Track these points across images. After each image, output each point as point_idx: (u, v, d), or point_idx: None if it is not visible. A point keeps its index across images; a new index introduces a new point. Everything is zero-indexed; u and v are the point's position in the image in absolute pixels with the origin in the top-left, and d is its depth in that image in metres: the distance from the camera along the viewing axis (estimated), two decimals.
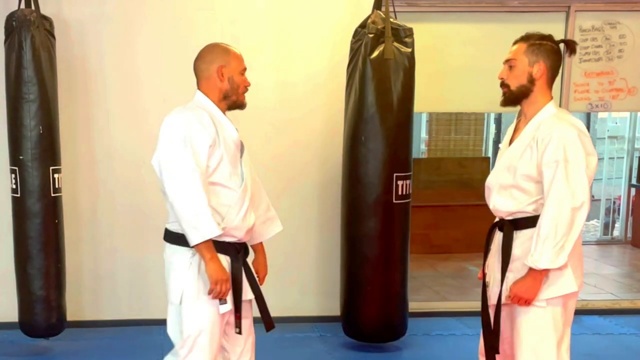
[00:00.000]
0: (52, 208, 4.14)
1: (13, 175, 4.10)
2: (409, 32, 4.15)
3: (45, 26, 4.12)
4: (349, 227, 4.33)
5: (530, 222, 2.62)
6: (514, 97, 2.69)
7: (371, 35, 4.12)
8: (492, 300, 2.77)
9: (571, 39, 3.46)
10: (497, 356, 2.79)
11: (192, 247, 2.64)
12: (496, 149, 8.72)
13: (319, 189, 4.86)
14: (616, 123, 9.55)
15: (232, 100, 2.80)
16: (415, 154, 6.74)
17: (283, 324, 4.18)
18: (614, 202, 8.29)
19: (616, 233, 8.08)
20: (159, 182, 2.69)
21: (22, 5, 4.09)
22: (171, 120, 2.68)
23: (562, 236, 2.51)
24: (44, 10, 4.14)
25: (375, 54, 4.10)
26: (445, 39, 4.94)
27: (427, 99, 4.80)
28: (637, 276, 6.43)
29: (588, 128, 8.76)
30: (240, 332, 2.80)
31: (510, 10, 4.93)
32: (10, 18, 4.07)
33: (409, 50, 4.15)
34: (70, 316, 4.40)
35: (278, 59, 4.70)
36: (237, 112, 2.85)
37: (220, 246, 2.68)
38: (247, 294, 2.82)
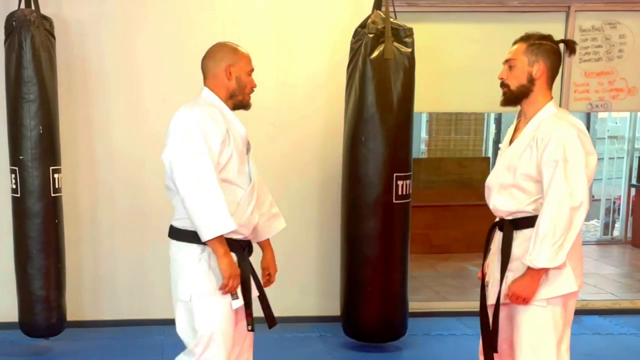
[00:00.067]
0: (52, 208, 4.14)
1: (13, 175, 4.10)
2: (409, 32, 4.16)
3: (45, 26, 4.12)
4: (349, 227, 4.33)
5: (530, 221, 2.62)
6: (514, 97, 2.69)
7: (371, 35, 4.12)
8: (491, 300, 2.77)
9: (571, 39, 3.46)
10: (495, 355, 2.80)
11: (205, 242, 2.62)
12: (496, 149, 8.73)
13: (319, 189, 4.86)
14: (616, 123, 9.55)
15: (238, 100, 2.80)
16: (415, 154, 6.74)
17: (283, 324, 4.17)
18: (614, 202, 8.29)
19: (616, 233, 8.09)
20: (167, 178, 2.68)
21: (22, 5, 4.09)
22: (184, 116, 2.66)
23: (561, 235, 2.51)
24: (44, 10, 4.14)
25: (375, 54, 4.10)
26: (445, 39, 4.94)
27: (427, 99, 4.80)
28: (637, 276, 6.43)
29: (588, 128, 8.77)
30: (252, 330, 2.79)
31: (510, 10, 4.93)
32: (10, 18, 4.07)
33: (409, 50, 4.15)
34: (70, 316, 4.40)
35: (278, 59, 4.69)
36: (236, 112, 2.84)
37: (227, 243, 2.67)
38: (254, 291, 2.82)
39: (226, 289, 2.65)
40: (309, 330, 4.75)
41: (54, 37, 4.20)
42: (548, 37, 2.69)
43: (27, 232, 4.11)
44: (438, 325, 4.88)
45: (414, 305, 4.58)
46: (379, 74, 4.10)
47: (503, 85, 2.71)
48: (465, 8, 4.91)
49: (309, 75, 4.73)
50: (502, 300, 2.71)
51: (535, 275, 2.58)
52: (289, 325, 4.57)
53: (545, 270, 2.57)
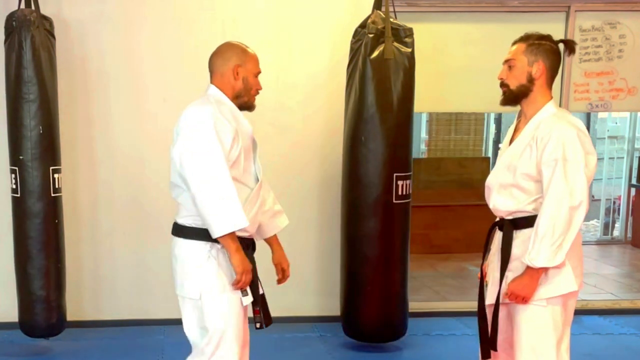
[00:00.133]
0: (52, 208, 4.14)
1: (13, 175, 4.10)
2: (409, 32, 4.16)
3: (45, 26, 4.12)
4: (348, 227, 4.33)
5: (530, 221, 2.62)
6: (514, 96, 2.70)
7: (371, 35, 4.12)
8: (491, 299, 2.77)
9: (571, 38, 3.46)
10: (495, 354, 2.80)
11: (217, 238, 2.60)
12: (496, 149, 8.73)
13: (319, 189, 4.86)
14: (616, 123, 9.55)
15: (244, 101, 2.79)
16: (415, 154, 6.74)
17: (283, 324, 4.19)
18: (614, 202, 8.29)
19: (616, 233, 8.08)
20: (174, 174, 2.67)
21: (22, 5, 4.09)
22: (195, 112, 2.64)
23: (560, 235, 2.51)
24: (44, 10, 4.14)
25: (375, 54, 4.10)
26: (445, 39, 4.94)
27: (427, 99, 4.80)
28: (637, 276, 6.43)
29: (588, 128, 8.77)
30: (261, 327, 2.78)
31: (510, 10, 4.93)
32: (10, 18, 4.07)
33: (409, 50, 4.15)
34: (70, 316, 4.40)
35: (278, 59, 4.69)
36: None
37: None
38: (260, 288, 2.82)
39: (239, 284, 2.64)
40: (309, 330, 4.75)
41: (54, 37, 4.21)
42: (547, 37, 2.69)
43: (27, 232, 4.11)
44: (438, 325, 4.88)
45: (414, 305, 4.58)
46: (379, 74, 4.10)
47: (503, 85, 2.71)
48: (465, 8, 4.91)
49: (309, 75, 4.73)
50: (501, 299, 2.71)
51: (534, 274, 2.58)
52: (289, 325, 4.57)
53: (545, 270, 2.58)
